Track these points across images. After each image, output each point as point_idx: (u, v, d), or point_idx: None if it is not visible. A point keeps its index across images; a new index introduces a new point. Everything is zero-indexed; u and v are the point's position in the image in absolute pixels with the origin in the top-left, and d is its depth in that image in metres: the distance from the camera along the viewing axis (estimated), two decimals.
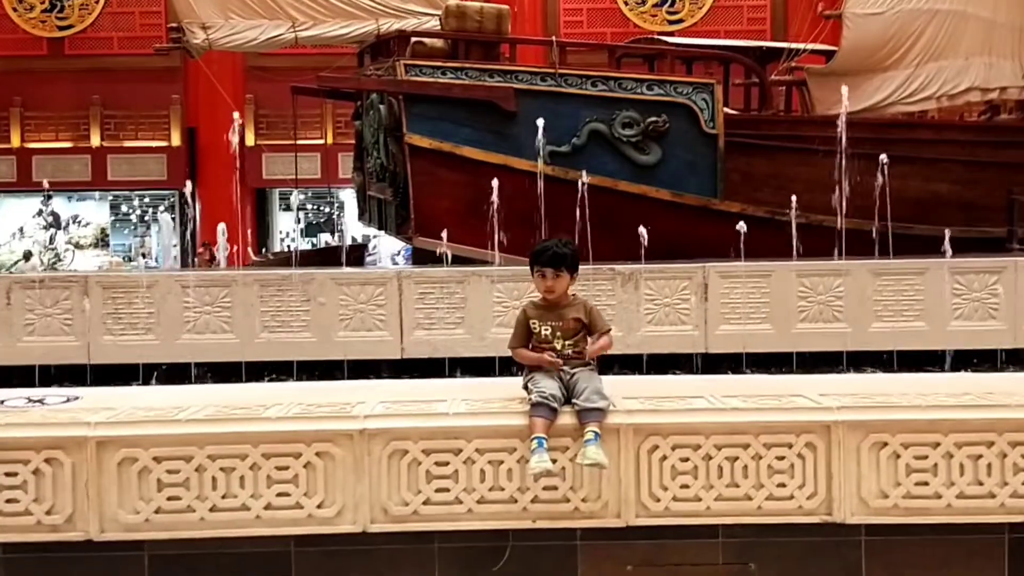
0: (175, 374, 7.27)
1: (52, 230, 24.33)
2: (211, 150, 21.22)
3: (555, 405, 3.49)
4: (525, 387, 3.70)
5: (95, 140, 22.73)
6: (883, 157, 9.13)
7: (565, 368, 3.65)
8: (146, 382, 7.22)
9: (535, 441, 3.40)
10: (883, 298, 7.59)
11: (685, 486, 3.48)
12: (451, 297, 7.55)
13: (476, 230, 9.44)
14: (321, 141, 22.84)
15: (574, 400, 3.54)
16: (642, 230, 8.22)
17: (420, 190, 10.63)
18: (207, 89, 19.54)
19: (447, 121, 10.80)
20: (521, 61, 12.28)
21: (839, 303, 7.67)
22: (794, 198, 9.49)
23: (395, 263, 18.36)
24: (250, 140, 22.88)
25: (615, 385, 3.72)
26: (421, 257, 10.59)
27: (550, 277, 3.70)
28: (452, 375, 7.25)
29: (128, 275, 8.10)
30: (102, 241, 24.64)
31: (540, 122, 9.72)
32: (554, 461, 3.41)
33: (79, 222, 24.67)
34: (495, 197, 9.12)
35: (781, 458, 3.49)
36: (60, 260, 23.07)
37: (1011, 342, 7.40)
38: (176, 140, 22.58)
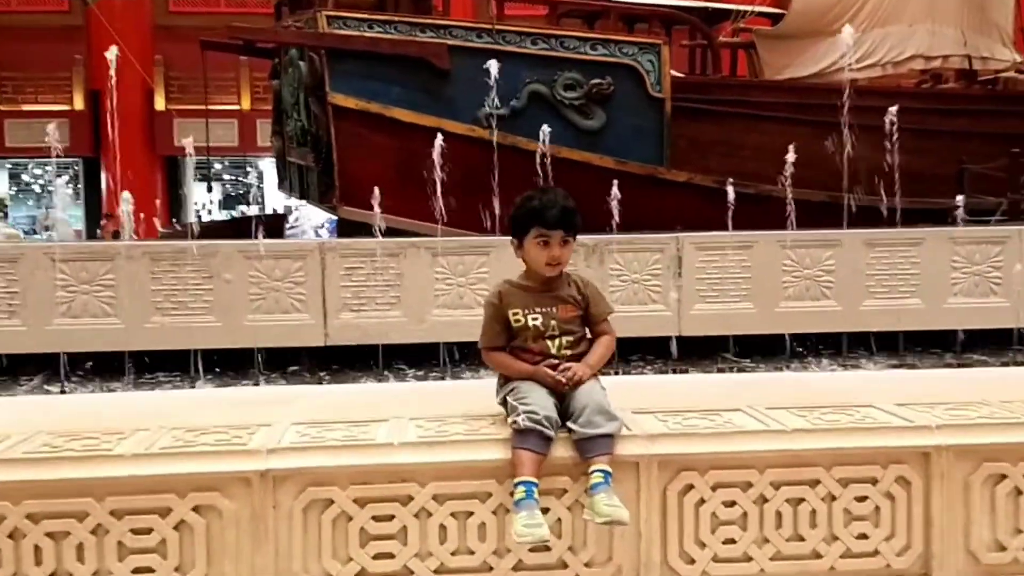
0: (44, 367, 5.97)
1: None
2: (118, 114, 19.94)
3: (551, 432, 2.41)
4: (503, 402, 2.62)
5: None
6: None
7: (560, 372, 2.59)
8: (9, 378, 5.89)
9: (521, 488, 2.32)
10: (876, 272, 6.71)
11: (730, 541, 2.46)
12: (384, 273, 6.40)
13: (407, 199, 8.60)
14: (237, 107, 21.59)
15: (570, 424, 2.46)
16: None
17: (345, 155, 10.01)
18: (112, 48, 18.26)
19: (375, 79, 10.11)
20: (455, 15, 11.71)
21: (828, 278, 6.78)
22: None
23: (319, 236, 17.10)
24: (160, 104, 21.58)
25: (609, 390, 2.66)
26: (347, 229, 9.64)
27: (558, 244, 2.62)
28: (387, 366, 6.11)
29: None
30: (1, 212, 23.07)
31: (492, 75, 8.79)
32: (546, 511, 2.35)
33: None
34: (428, 162, 8.17)
35: (862, 499, 2.49)
36: None
37: (1014, 321, 6.61)
38: (79, 104, 21.14)
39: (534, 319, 2.64)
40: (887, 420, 2.60)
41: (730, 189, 7.91)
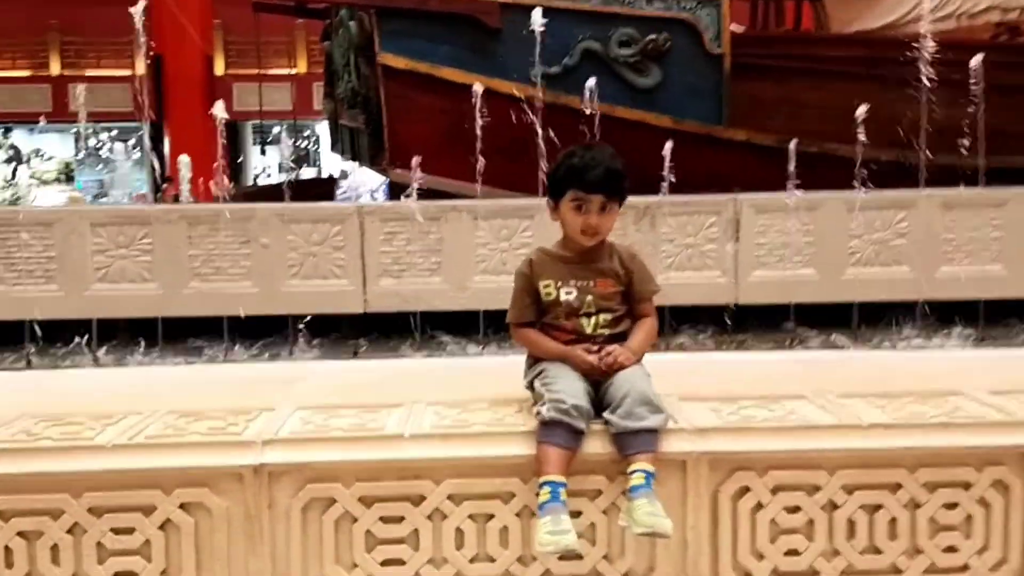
0: (78, 333, 5.84)
1: (13, 164, 23.22)
2: (178, 79, 20.08)
3: (580, 425, 2.09)
4: (530, 386, 2.31)
5: (54, 68, 21.36)
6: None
7: (596, 355, 2.27)
8: (44, 344, 5.78)
9: (546, 489, 2.02)
10: (955, 236, 6.19)
11: (793, 552, 2.13)
12: (425, 238, 6.10)
13: (457, 161, 8.25)
14: (293, 70, 21.48)
15: (608, 415, 2.14)
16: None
17: (395, 116, 9.60)
18: (173, 14, 18.24)
19: (424, 39, 9.69)
20: None
21: (900, 242, 6.28)
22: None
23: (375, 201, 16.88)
24: (219, 69, 21.58)
25: (654, 370, 2.32)
26: (399, 192, 9.35)
27: (596, 210, 2.29)
28: (426, 334, 5.85)
29: (10, 209, 6.57)
30: (66, 176, 23.50)
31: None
32: (577, 515, 2.04)
33: (41, 156, 23.54)
34: (478, 123, 7.84)
35: (952, 506, 2.13)
36: (22, 197, 21.88)
37: None
38: (141, 69, 21.13)
39: (567, 293, 2.31)
40: (982, 413, 2.22)
41: (792, 148, 7.47)
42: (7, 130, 22.75)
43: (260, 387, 2.68)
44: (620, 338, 2.33)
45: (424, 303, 5.92)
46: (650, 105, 9.64)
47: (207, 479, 2.07)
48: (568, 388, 2.15)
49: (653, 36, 9.32)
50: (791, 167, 7.21)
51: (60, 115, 21.46)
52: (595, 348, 2.26)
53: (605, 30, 9.32)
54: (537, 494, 2.04)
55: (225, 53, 21.75)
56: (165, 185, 18.79)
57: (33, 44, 21.44)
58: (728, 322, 6.13)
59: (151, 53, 20.57)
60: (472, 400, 2.38)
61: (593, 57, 9.37)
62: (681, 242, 6.27)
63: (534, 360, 2.37)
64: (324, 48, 12.87)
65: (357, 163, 12.69)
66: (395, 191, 10.19)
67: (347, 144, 12.53)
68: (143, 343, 5.89)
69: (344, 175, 18.02)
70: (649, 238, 6.23)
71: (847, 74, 9.68)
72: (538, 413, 2.12)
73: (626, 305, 2.36)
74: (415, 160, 7.58)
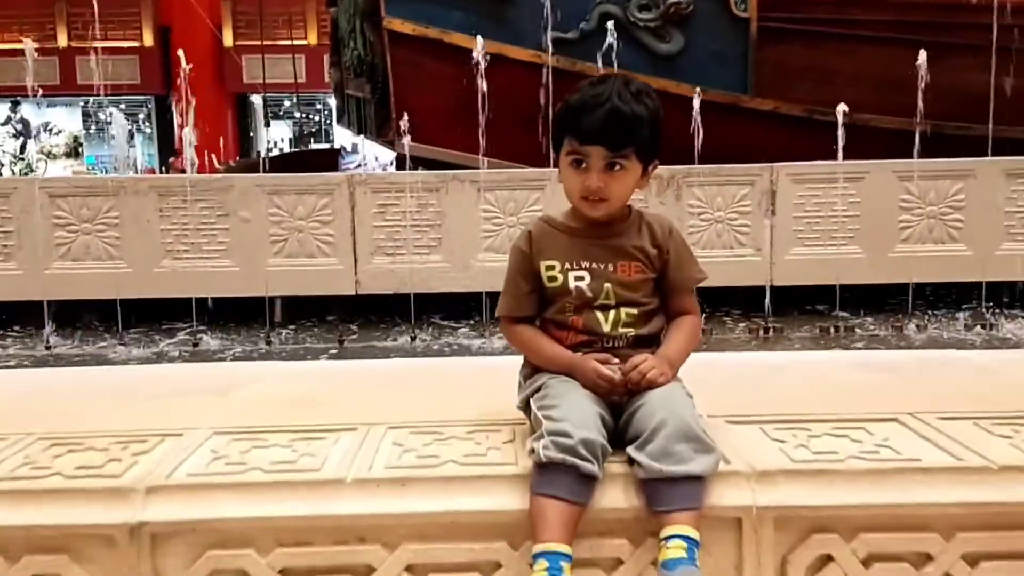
0: (37, 316, 5.27)
1: (22, 139, 22.99)
2: (187, 51, 19.60)
3: (592, 468, 1.48)
4: (525, 406, 1.69)
5: (62, 40, 20.92)
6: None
7: (617, 366, 1.65)
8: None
9: (543, 562, 1.41)
10: (1018, 209, 5.50)
11: None
12: (423, 211, 5.47)
13: (468, 132, 7.65)
14: (305, 41, 20.97)
15: (633, 451, 1.52)
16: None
17: (402, 85, 9.00)
18: None
19: (433, 2, 8.94)
20: None
21: (957, 216, 5.59)
22: None
23: None
24: (228, 40, 21.12)
25: (687, 376, 1.71)
26: (406, 167, 8.82)
27: (598, 169, 1.66)
28: (423, 318, 5.24)
29: None
30: (75, 151, 23.20)
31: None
32: None
33: (50, 130, 23.27)
34: (490, 92, 7.27)
35: None
36: (33, 171, 21.69)
37: None
38: (148, 40, 20.81)
39: (578, 278, 1.69)
40: None
41: (828, 118, 6.84)
42: (15, 104, 22.40)
43: (184, 399, 2.07)
44: (649, 342, 1.71)
45: (422, 284, 5.31)
46: (672, 72, 9.08)
47: (65, 543, 1.47)
48: (575, 414, 1.53)
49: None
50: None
51: (69, 88, 21.05)
52: (615, 359, 1.63)
53: None
54: (531, 566, 1.43)
55: (234, 24, 21.32)
56: (172, 159, 18.35)
57: (40, 16, 21.02)
58: (763, 306, 5.47)
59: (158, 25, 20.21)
60: (448, 423, 1.77)
61: (612, 21, 8.84)
62: (710, 216, 5.60)
63: (532, 370, 1.75)
64: (330, 14, 12.40)
65: (363, 135, 12.24)
66: (404, 165, 9.69)
67: (354, 115, 12.09)
68: (106, 327, 5.31)
69: (355, 148, 17.50)
70: (674, 211, 5.57)
71: (881, 39, 9.12)
72: (532, 451, 1.50)
73: (658, 297, 1.74)
74: (432, 130, 7.03)
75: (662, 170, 5.79)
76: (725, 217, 5.61)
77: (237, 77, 20.52)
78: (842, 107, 5.75)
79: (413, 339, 4.98)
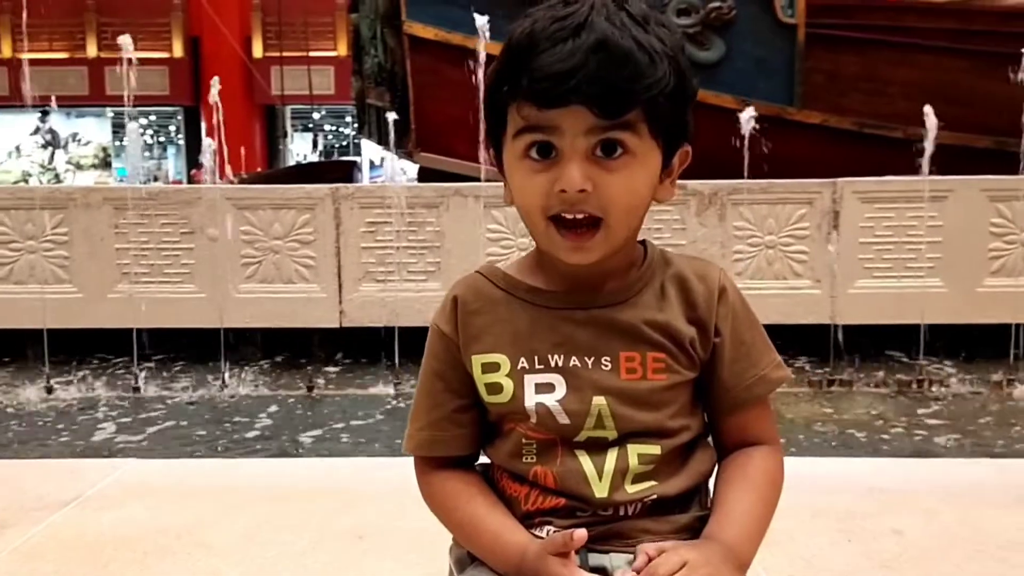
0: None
1: (50, 149, 23.07)
2: (216, 62, 19.50)
3: None
4: None
5: (91, 51, 20.90)
6: None
7: (626, 567, 0.79)
8: None
9: None
10: None
11: None
12: (419, 230, 4.64)
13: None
14: (335, 53, 20.74)
15: None
16: None
17: (422, 93, 8.46)
18: None
19: (456, 6, 8.40)
20: None
21: None
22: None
23: None
24: (257, 51, 20.99)
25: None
26: (428, 180, 8.20)
27: (581, 151, 0.82)
28: (413, 354, 4.40)
29: None
30: (103, 161, 23.21)
31: None
32: None
33: (79, 140, 23.33)
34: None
35: None
36: (60, 181, 21.69)
37: None
38: (179, 51, 20.74)
39: (543, 387, 0.85)
40: None
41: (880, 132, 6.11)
42: (44, 114, 22.40)
43: None
44: (682, 505, 0.87)
45: (417, 316, 4.48)
46: (711, 82, 8.45)
47: None
48: None
49: (717, 3, 8.05)
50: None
51: (97, 98, 20.86)
52: (589, 530, 0.82)
53: None
54: None
55: (264, 35, 21.22)
56: (194, 171, 17.99)
57: (70, 26, 20.99)
58: (824, 350, 4.55)
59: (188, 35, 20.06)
60: None
61: None
62: (759, 240, 4.71)
63: (464, 557, 0.92)
64: (351, 21, 12.01)
65: (383, 146, 11.79)
66: (423, 177, 9.06)
67: (375, 126, 11.63)
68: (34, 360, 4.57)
69: (382, 162, 16.91)
70: (716, 234, 4.69)
71: (938, 49, 8.45)
72: None
73: (698, 417, 0.89)
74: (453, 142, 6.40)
75: (703, 185, 5.00)
76: (778, 242, 4.72)
77: (264, 89, 20.23)
78: (930, 116, 4.93)
79: (397, 385, 4.16)
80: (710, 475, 0.94)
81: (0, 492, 1.49)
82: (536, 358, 0.88)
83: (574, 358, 0.88)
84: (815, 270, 4.68)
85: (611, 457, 0.86)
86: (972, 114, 7.48)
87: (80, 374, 4.47)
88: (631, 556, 0.84)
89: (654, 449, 0.87)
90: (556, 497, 0.88)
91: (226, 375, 4.26)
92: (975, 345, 4.55)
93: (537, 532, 0.87)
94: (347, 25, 20.74)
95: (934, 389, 4.12)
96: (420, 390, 0.96)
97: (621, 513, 0.87)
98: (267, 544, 1.25)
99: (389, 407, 3.92)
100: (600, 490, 0.86)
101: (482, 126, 1.00)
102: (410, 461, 0.94)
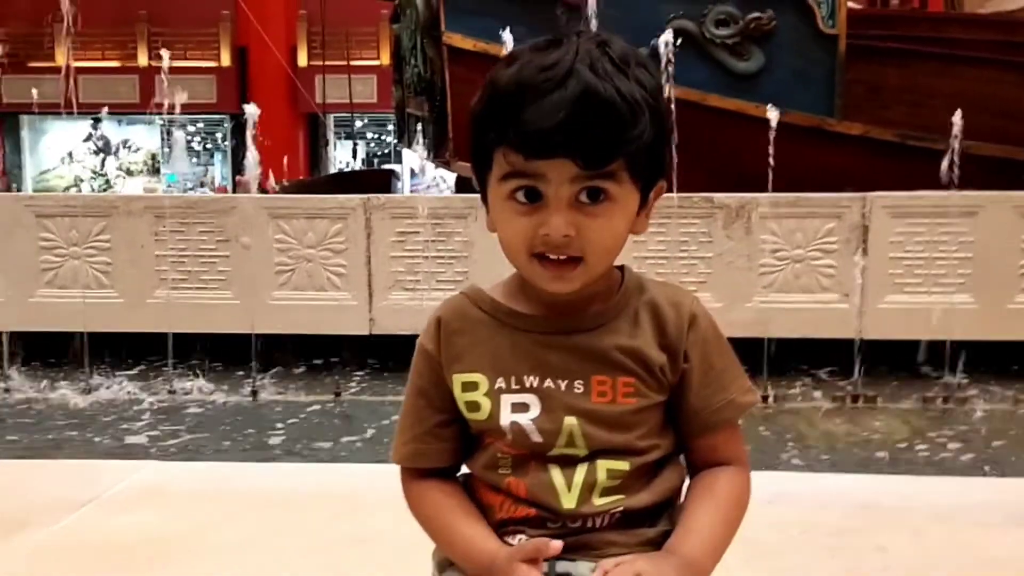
0: (31, 348, 4.72)
1: (102, 155, 23.63)
2: (262, 71, 19.84)
3: None
4: None
5: (142, 60, 21.39)
6: None
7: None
8: None
9: None
10: None
11: None
12: (447, 240, 4.73)
13: None
14: (377, 62, 20.97)
15: None
16: None
17: (460, 102, 8.51)
18: (258, 4, 17.88)
19: (495, 17, 8.41)
20: None
21: None
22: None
23: None
24: (302, 60, 21.30)
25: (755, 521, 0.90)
26: (465, 188, 8.26)
27: (565, 199, 0.89)
28: None
29: None
30: (153, 167, 23.67)
31: None
32: None
33: (129, 147, 23.85)
34: None
35: None
36: (111, 187, 22.19)
37: None
38: (226, 60, 21.12)
39: (519, 407, 0.91)
40: None
41: (923, 144, 6.01)
42: (97, 121, 22.94)
43: None
44: (650, 520, 0.92)
45: None
46: (750, 93, 8.35)
47: None
48: None
49: (756, 14, 7.92)
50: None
51: (147, 106, 21.30)
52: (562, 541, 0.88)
53: (701, 7, 8.07)
54: None
55: (309, 44, 21.49)
56: (238, 177, 18.30)
57: (122, 34, 21.46)
58: (845, 364, 4.54)
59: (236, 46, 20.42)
60: None
61: (686, 37, 8.12)
62: (787, 254, 4.71)
63: (444, 562, 0.98)
64: (393, 31, 12.12)
65: (423, 156, 11.86)
66: (461, 187, 9.12)
67: (415, 135, 11.73)
68: (75, 362, 4.73)
69: (423, 170, 17.03)
70: (743, 247, 4.70)
71: (981, 60, 8.33)
72: None
73: (669, 438, 0.94)
74: None
75: (730, 199, 5.01)
76: (806, 255, 4.71)
77: (310, 97, 20.49)
78: (957, 127, 4.87)
79: None
80: (679, 491, 0.98)
81: (19, 492, 1.57)
82: (513, 379, 0.94)
83: (548, 380, 0.93)
84: (843, 284, 4.67)
85: (581, 471, 0.92)
86: (1016, 126, 7.40)
87: (118, 377, 4.62)
88: (594, 564, 0.89)
89: (623, 465, 0.92)
90: (527, 507, 0.93)
91: (256, 379, 4.37)
92: (1006, 362, 4.50)
93: (509, 540, 0.93)
94: (390, 35, 20.99)
95: (960, 406, 4.09)
96: (405, 405, 1.02)
97: (589, 525, 0.92)
98: (269, 546, 1.32)
99: None
100: (568, 501, 0.91)
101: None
102: None
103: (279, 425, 3.85)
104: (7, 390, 4.35)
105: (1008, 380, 4.37)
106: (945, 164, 4.77)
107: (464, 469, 1.02)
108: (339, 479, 1.84)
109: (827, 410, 4.06)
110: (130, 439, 3.58)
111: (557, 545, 0.87)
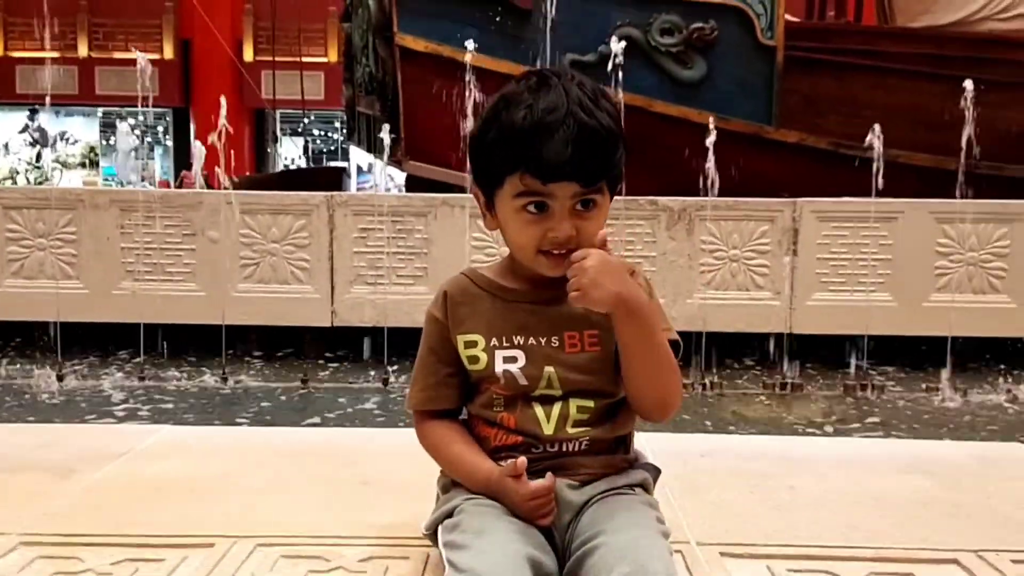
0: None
1: (38, 147, 22.99)
2: (206, 65, 19.58)
3: None
4: (432, 533, 1.18)
5: (82, 50, 20.88)
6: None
7: (566, 489, 1.14)
8: None
9: None
10: None
11: None
12: (408, 236, 4.98)
13: None
14: (325, 59, 20.84)
15: None
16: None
17: (412, 103, 8.60)
18: None
19: (447, 19, 8.61)
20: None
21: (999, 265, 5.04)
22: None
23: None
24: (248, 55, 21.05)
25: (678, 462, 1.20)
26: (415, 187, 8.43)
27: (569, 212, 1.20)
28: (409, 354, 4.74)
29: None
30: (91, 161, 23.15)
31: None
32: None
33: (67, 139, 23.26)
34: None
35: None
36: (48, 180, 21.63)
37: None
38: (169, 53, 20.77)
39: (508, 359, 1.20)
40: None
41: (855, 152, 6.36)
42: (33, 112, 22.41)
43: (9, 480, 1.58)
44: (613, 448, 1.21)
45: (404, 317, 4.81)
46: (693, 100, 8.66)
47: None
48: (492, 557, 1.03)
49: (699, 24, 8.27)
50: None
51: (87, 98, 20.92)
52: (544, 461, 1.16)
53: (646, 16, 8.28)
54: None
55: (255, 39, 21.24)
56: (184, 173, 18.12)
57: (61, 25, 20.97)
58: (776, 355, 4.93)
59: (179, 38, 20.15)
60: (339, 539, 1.26)
61: (632, 45, 8.42)
62: (724, 254, 5.07)
63: (450, 483, 1.25)
64: (344, 30, 12.15)
65: (372, 154, 11.94)
66: (412, 186, 9.31)
67: (364, 134, 11.78)
68: (43, 353, 4.86)
69: (370, 168, 17.13)
70: (685, 248, 5.05)
71: (913, 73, 8.73)
72: None
73: (620, 384, 1.23)
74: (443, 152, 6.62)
75: (674, 202, 5.36)
76: (741, 256, 5.08)
77: (255, 92, 20.33)
78: (876, 136, 5.24)
79: (385, 383, 4.47)
80: (632, 428, 1.28)
81: (61, 446, 1.79)
82: (504, 338, 1.23)
83: (531, 338, 1.22)
84: (775, 283, 5.05)
85: (557, 407, 1.20)
86: (944, 138, 7.83)
87: (87, 363, 4.76)
88: (571, 482, 1.18)
89: (589, 403, 1.21)
90: (516, 435, 1.21)
91: (225, 368, 4.56)
92: (920, 355, 4.92)
93: (502, 463, 1.21)
94: (339, 33, 21.00)
95: (876, 394, 4.49)
96: (419, 362, 1.30)
97: (564, 449, 1.21)
98: (289, 487, 1.57)
99: (378, 400, 4.24)
100: (548, 429, 1.20)
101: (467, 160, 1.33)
102: (403, 430, 1.26)
103: (250, 407, 4.06)
104: None
105: (922, 371, 4.79)
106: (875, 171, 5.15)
107: (464, 414, 1.30)
108: (342, 438, 2.08)
109: (760, 397, 4.42)
110: (110, 421, 3.75)
111: (523, 460, 1.16)
